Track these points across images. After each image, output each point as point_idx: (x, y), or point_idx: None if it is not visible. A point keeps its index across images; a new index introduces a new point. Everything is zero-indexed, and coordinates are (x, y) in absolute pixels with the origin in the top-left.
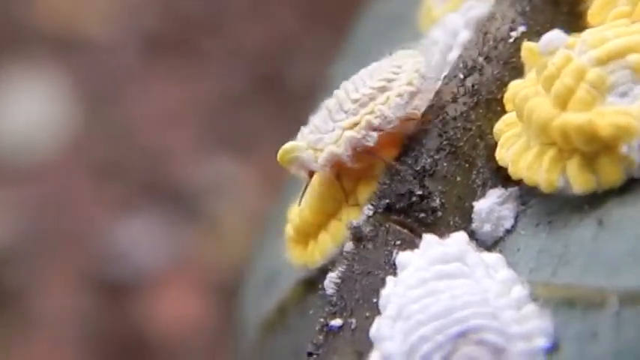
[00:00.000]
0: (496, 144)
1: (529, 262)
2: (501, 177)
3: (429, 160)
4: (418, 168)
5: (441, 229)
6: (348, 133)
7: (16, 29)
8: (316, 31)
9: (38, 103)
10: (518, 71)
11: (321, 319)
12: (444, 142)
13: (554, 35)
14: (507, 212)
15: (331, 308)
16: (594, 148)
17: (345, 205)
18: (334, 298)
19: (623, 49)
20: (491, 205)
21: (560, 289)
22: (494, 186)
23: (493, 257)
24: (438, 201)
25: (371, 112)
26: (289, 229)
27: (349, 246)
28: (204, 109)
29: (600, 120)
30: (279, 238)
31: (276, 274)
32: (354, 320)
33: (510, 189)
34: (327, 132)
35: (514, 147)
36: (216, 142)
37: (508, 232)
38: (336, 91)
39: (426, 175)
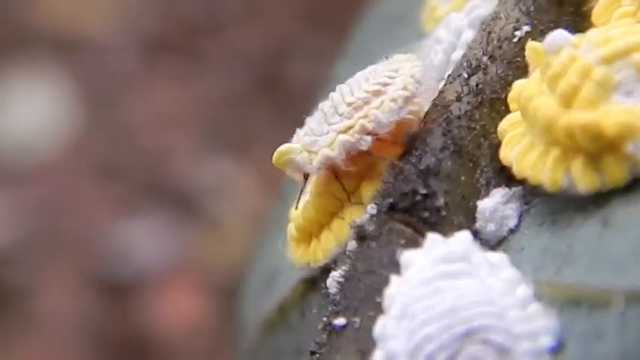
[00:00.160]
0: (500, 143)
1: (533, 262)
2: (505, 176)
3: (433, 159)
4: (422, 167)
5: (445, 228)
6: (342, 137)
7: (18, 30)
8: (316, 33)
9: (40, 104)
10: (522, 71)
11: (324, 318)
12: (448, 141)
13: (559, 34)
14: (511, 212)
15: (334, 307)
16: (599, 147)
17: (347, 203)
18: (337, 297)
19: (628, 48)
20: (495, 205)
21: (565, 288)
22: (497, 185)
23: (497, 256)
24: (442, 200)
25: (365, 117)
26: (291, 228)
27: (352, 245)
28: (204, 110)
29: (605, 119)
30: (279, 237)
31: (276, 273)
32: (357, 319)
33: (514, 188)
34: (322, 135)
35: (518, 146)
36: (216, 143)
37: (512, 231)
38: (331, 94)
39: (430, 174)
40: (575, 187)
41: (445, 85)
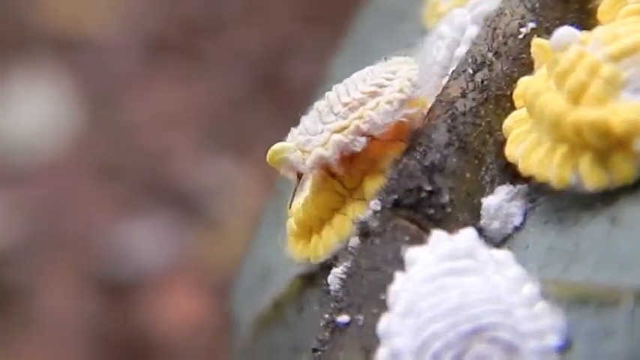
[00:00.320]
0: (504, 140)
1: (538, 260)
2: (509, 174)
3: (438, 156)
4: (427, 163)
5: (450, 225)
6: (336, 137)
7: (19, 30)
8: (316, 33)
9: (40, 105)
10: (527, 68)
11: (326, 315)
12: (454, 138)
13: (567, 31)
14: (516, 209)
15: (337, 304)
16: (607, 144)
17: (349, 199)
18: (340, 294)
19: (636, 46)
20: (499, 202)
21: (572, 286)
22: (502, 183)
23: (502, 254)
24: (447, 197)
25: (360, 117)
26: (291, 223)
27: (355, 241)
28: (205, 111)
29: (614, 116)
30: (273, 233)
31: (270, 269)
32: (361, 317)
33: (518, 186)
34: (316, 134)
35: (524, 143)
36: (217, 143)
37: (517, 229)
38: (327, 93)
39: (435, 171)
40: (582, 185)
41: (449, 81)
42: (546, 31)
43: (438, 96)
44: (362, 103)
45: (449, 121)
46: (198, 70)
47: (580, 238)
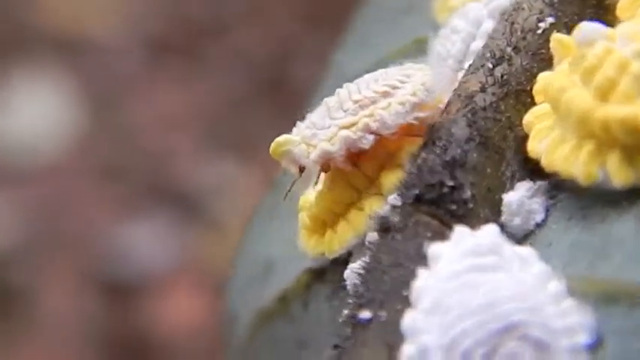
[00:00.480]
0: (525, 136)
1: (562, 257)
2: (528, 170)
3: (458, 151)
4: (448, 158)
5: (472, 221)
6: (344, 133)
7: (20, 31)
8: (317, 33)
9: (42, 106)
10: (546, 63)
11: (347, 311)
12: (474, 133)
13: (593, 26)
14: (537, 206)
15: (357, 300)
16: (637, 141)
17: (366, 194)
18: (359, 290)
19: None
20: (520, 198)
21: (599, 282)
22: (522, 179)
23: (525, 250)
24: (468, 192)
25: (370, 115)
26: (304, 218)
27: (373, 236)
28: (206, 112)
29: None
30: (272, 228)
31: (272, 263)
32: (383, 313)
33: (539, 182)
34: (323, 128)
35: (547, 139)
36: (218, 144)
37: (538, 225)
38: (338, 90)
39: (456, 166)
40: (609, 182)
41: (466, 75)
42: (565, 27)
43: (455, 90)
44: (373, 102)
45: (469, 115)
46: (199, 70)
47: (606, 235)
